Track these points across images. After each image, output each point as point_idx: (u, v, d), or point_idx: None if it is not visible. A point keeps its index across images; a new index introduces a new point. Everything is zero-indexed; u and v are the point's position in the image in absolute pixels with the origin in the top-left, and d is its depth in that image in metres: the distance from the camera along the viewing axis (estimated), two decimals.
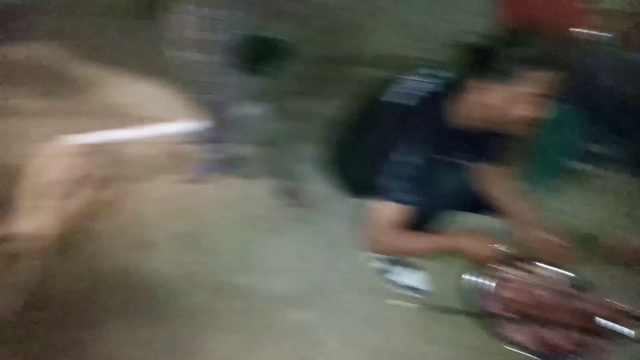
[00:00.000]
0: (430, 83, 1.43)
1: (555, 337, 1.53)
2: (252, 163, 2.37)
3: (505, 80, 1.24)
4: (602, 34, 2.21)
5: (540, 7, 2.07)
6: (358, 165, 1.54)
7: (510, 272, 1.66)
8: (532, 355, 1.48)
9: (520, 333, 1.53)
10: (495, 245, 1.50)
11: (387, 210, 1.40)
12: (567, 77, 1.91)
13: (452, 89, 1.37)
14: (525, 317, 1.57)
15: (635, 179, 2.08)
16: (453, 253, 1.50)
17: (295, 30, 3.33)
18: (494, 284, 1.63)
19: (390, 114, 1.43)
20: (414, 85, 1.45)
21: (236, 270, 1.85)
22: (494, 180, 1.65)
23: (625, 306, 1.51)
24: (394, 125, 1.40)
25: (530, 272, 1.66)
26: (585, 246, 1.90)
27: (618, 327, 1.49)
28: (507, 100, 1.26)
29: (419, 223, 1.51)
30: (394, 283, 1.78)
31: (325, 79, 3.22)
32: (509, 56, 1.22)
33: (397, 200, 1.38)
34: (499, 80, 1.25)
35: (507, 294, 1.62)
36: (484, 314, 1.56)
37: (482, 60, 1.26)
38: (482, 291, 1.60)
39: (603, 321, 1.51)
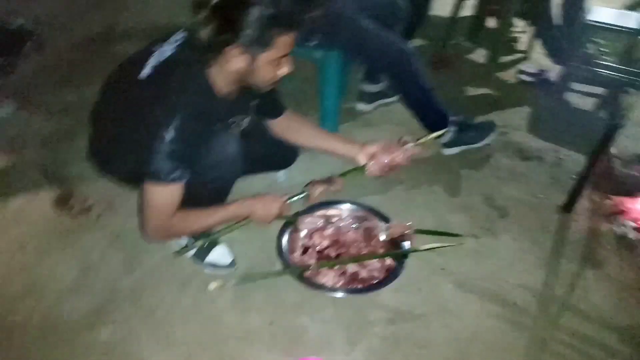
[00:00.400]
0: (186, 51, 1.31)
1: (360, 270, 1.63)
2: (15, 174, 2.02)
3: (258, 48, 1.23)
4: None
5: None
6: (126, 153, 1.37)
7: (306, 222, 1.73)
8: (347, 293, 1.55)
9: (328, 276, 1.59)
10: (285, 200, 1.52)
11: (165, 193, 1.29)
12: (321, 23, 2.03)
13: (208, 55, 1.27)
14: (327, 259, 1.66)
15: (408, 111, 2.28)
16: (245, 220, 1.49)
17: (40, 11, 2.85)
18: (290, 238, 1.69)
19: (150, 90, 1.28)
20: (170, 55, 1.32)
21: (24, 297, 1.59)
22: (293, 126, 1.66)
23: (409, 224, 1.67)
24: (157, 102, 1.25)
25: (325, 216, 1.75)
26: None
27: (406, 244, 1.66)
28: (262, 65, 1.27)
29: (206, 197, 1.44)
30: (201, 265, 1.68)
31: (83, 62, 2.85)
32: (257, 20, 1.18)
33: (173, 180, 1.26)
34: (252, 48, 1.22)
35: (307, 242, 1.70)
36: (292, 269, 1.59)
37: (232, 26, 1.19)
38: (284, 247, 1.65)
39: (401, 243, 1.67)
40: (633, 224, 1.90)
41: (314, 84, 2.32)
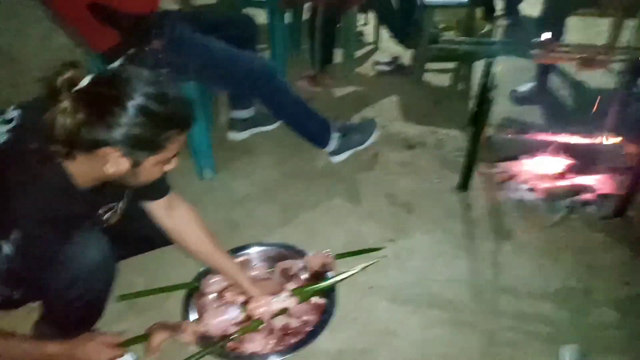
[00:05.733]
0: (28, 137, 0.99)
1: (289, 321, 1.43)
2: None
3: (144, 152, 1.00)
4: None
5: None
6: None
7: (212, 283, 1.48)
8: (283, 354, 1.35)
9: (256, 341, 1.38)
10: (116, 345, 1.22)
11: None
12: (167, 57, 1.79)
13: (68, 150, 0.98)
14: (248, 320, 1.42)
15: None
16: None
17: None
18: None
19: None
20: (3, 143, 0.99)
21: None
22: (177, 219, 1.37)
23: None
24: None
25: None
26: None
27: None
28: (147, 168, 1.04)
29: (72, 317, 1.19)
30: None
31: None
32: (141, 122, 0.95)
33: None
34: (135, 152, 0.99)
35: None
36: (210, 347, 1.33)
37: (105, 125, 0.93)
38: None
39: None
40: (526, 186, 1.97)
41: None
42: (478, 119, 1.88)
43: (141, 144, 0.97)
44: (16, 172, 0.96)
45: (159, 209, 1.34)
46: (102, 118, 0.92)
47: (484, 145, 2.07)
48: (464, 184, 1.98)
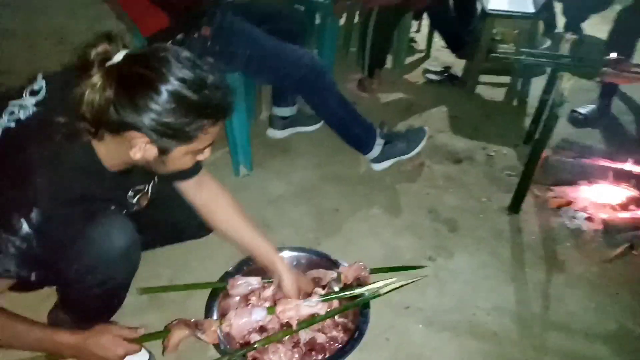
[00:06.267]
0: (56, 111, 0.92)
1: (316, 335, 1.33)
2: None
3: (173, 141, 0.92)
4: None
5: None
6: None
7: (238, 285, 1.39)
8: None
9: (278, 353, 1.28)
10: (133, 340, 1.13)
11: None
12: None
13: (96, 128, 0.91)
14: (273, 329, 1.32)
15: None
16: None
17: None
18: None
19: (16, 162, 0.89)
20: (29, 117, 0.94)
21: None
22: (206, 197, 1.29)
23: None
24: (8, 181, 0.88)
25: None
26: None
27: None
28: (177, 157, 0.97)
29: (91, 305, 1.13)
30: None
31: None
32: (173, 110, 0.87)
33: (4, 276, 0.92)
34: (163, 140, 0.91)
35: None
36: (230, 353, 1.23)
37: (135, 108, 0.86)
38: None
39: None
40: (583, 214, 1.81)
41: None
42: (540, 136, 1.73)
43: (170, 132, 0.89)
44: (40, 148, 0.90)
45: (189, 188, 1.26)
46: (132, 100, 0.85)
47: (540, 166, 1.92)
48: (515, 206, 1.83)
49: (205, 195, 1.28)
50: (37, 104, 0.94)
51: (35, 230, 0.86)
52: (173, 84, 0.86)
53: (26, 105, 0.94)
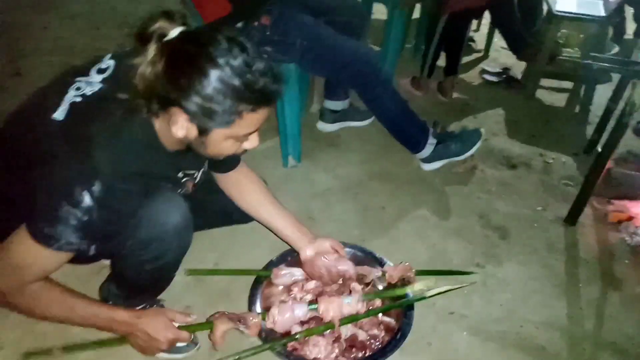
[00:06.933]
0: (120, 88, 0.94)
1: (357, 332, 1.31)
2: None
3: (211, 122, 0.92)
4: None
5: None
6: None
7: (282, 275, 1.39)
8: None
9: (319, 346, 1.27)
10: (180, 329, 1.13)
11: (42, 256, 0.92)
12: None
13: (150, 103, 0.92)
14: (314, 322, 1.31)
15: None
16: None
17: None
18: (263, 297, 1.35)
19: (66, 137, 0.92)
20: (96, 92, 0.96)
21: None
22: (243, 186, 1.34)
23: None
24: (74, 153, 0.90)
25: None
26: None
27: None
28: (217, 140, 0.96)
29: (143, 278, 1.15)
30: None
31: None
32: (213, 91, 0.87)
33: (64, 250, 0.92)
34: (202, 120, 0.91)
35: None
36: (271, 342, 1.22)
37: (178, 85, 0.87)
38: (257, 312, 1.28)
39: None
40: None
41: None
42: (605, 146, 1.64)
43: (208, 113, 0.89)
44: (102, 122, 0.92)
45: (225, 181, 1.34)
46: (176, 76, 0.86)
47: (602, 177, 1.82)
48: (572, 217, 1.75)
49: (241, 187, 1.34)
50: (103, 81, 0.97)
51: (97, 202, 0.88)
52: (217, 65, 0.85)
53: (92, 82, 0.97)
